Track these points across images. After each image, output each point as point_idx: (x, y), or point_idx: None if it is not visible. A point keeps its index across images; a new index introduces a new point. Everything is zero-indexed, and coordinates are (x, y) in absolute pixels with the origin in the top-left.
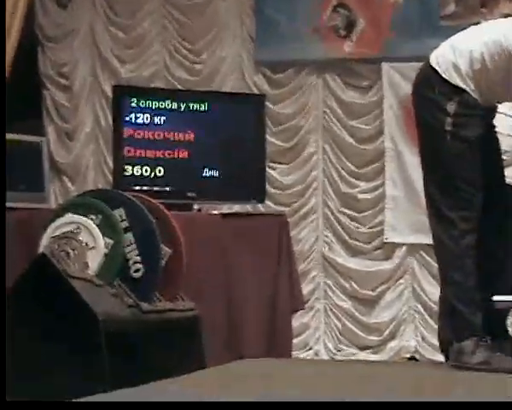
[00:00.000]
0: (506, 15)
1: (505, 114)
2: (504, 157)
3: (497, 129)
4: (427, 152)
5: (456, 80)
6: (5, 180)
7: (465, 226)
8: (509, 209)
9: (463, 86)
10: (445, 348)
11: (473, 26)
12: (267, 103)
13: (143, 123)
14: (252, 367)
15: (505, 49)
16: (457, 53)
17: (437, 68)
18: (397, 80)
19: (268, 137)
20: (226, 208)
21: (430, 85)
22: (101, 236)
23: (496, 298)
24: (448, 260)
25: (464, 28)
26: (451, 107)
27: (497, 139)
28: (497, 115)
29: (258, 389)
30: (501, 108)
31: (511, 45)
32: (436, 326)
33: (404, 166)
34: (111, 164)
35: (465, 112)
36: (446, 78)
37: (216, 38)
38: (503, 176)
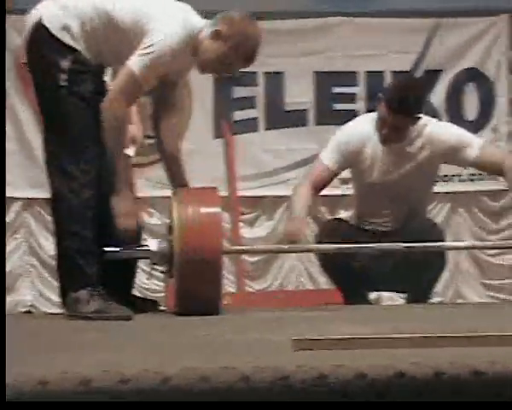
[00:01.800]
0: None
1: None
2: None
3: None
4: (44, 109)
5: (68, 40)
6: (5, 180)
7: (85, 179)
8: None
9: (75, 46)
10: (63, 299)
11: None
12: None
13: None
14: None
15: (108, 13)
16: (68, 13)
17: (48, 26)
18: (9, 32)
19: None
20: None
21: (43, 43)
22: None
23: (107, 249)
24: (68, 213)
25: None
26: (65, 64)
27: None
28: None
29: None
30: None
31: (107, 9)
32: (53, 281)
33: (18, 122)
34: None
35: (79, 68)
36: (58, 37)
37: None
38: None
